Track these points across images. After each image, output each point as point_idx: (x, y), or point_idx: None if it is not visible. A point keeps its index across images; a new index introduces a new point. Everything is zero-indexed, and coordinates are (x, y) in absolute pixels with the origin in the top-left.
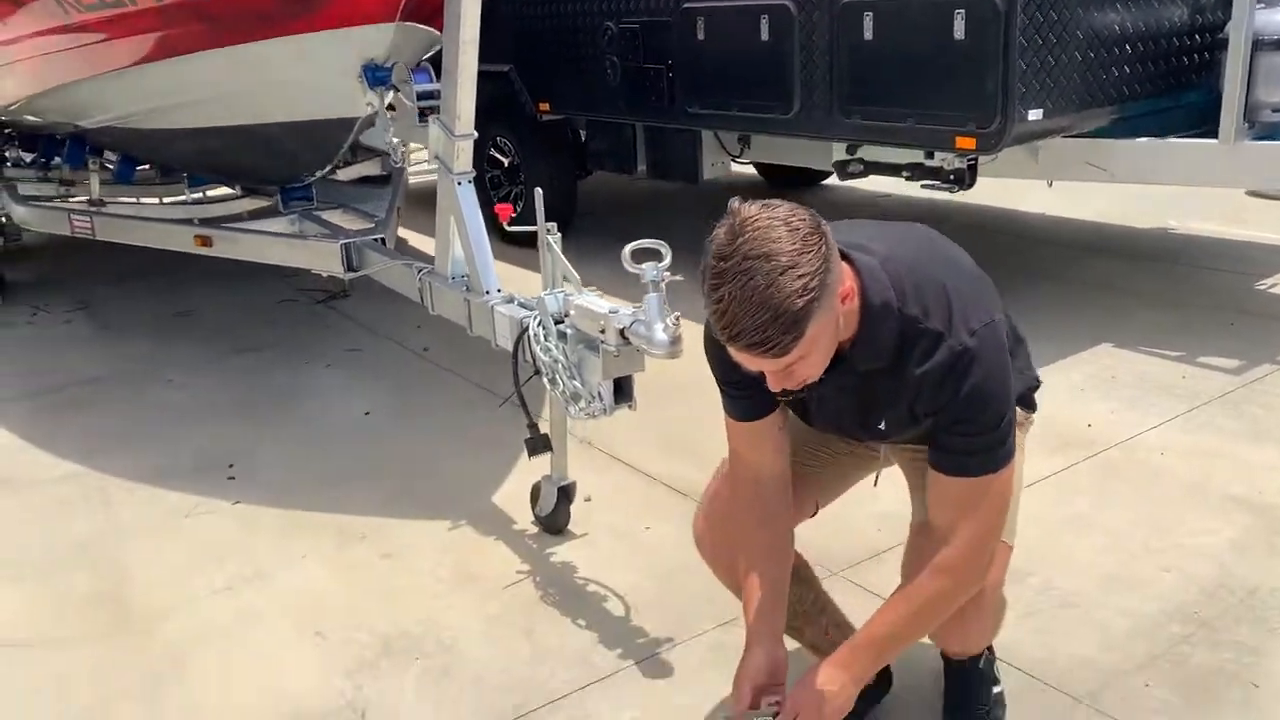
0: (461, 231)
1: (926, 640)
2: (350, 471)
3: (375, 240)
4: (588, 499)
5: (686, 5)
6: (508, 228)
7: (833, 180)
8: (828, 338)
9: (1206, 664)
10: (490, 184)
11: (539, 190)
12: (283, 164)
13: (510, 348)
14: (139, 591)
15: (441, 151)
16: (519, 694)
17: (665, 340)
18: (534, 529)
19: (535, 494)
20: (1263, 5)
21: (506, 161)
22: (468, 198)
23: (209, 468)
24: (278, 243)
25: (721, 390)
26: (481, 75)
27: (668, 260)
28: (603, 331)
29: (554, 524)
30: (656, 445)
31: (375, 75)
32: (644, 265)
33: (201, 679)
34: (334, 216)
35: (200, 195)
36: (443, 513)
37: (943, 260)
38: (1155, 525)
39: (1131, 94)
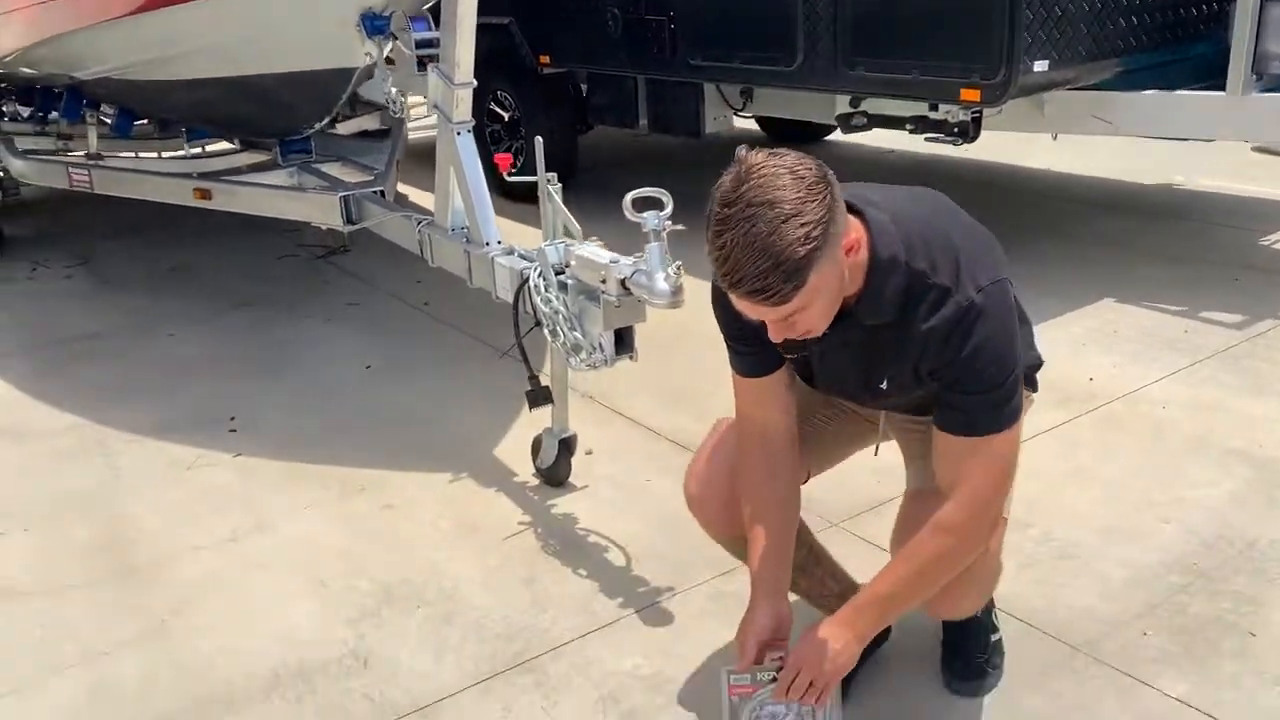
0: (461, 182)
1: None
2: (351, 424)
3: (374, 193)
4: (589, 452)
5: None
6: (508, 178)
7: (836, 135)
8: (830, 289)
9: (1204, 613)
10: (490, 138)
11: (539, 139)
12: (280, 116)
13: (510, 299)
14: (141, 541)
15: (440, 100)
16: (520, 641)
17: (667, 290)
18: (535, 481)
19: (536, 446)
20: None
21: (507, 116)
22: (467, 147)
23: (210, 420)
24: (277, 195)
25: (728, 345)
26: (481, 28)
27: (669, 209)
28: (603, 282)
29: (555, 476)
30: (658, 399)
31: (373, 24)
32: (645, 214)
33: (204, 627)
34: (333, 169)
35: (199, 150)
36: (444, 465)
37: (953, 221)
38: (1156, 478)
39: (1138, 45)
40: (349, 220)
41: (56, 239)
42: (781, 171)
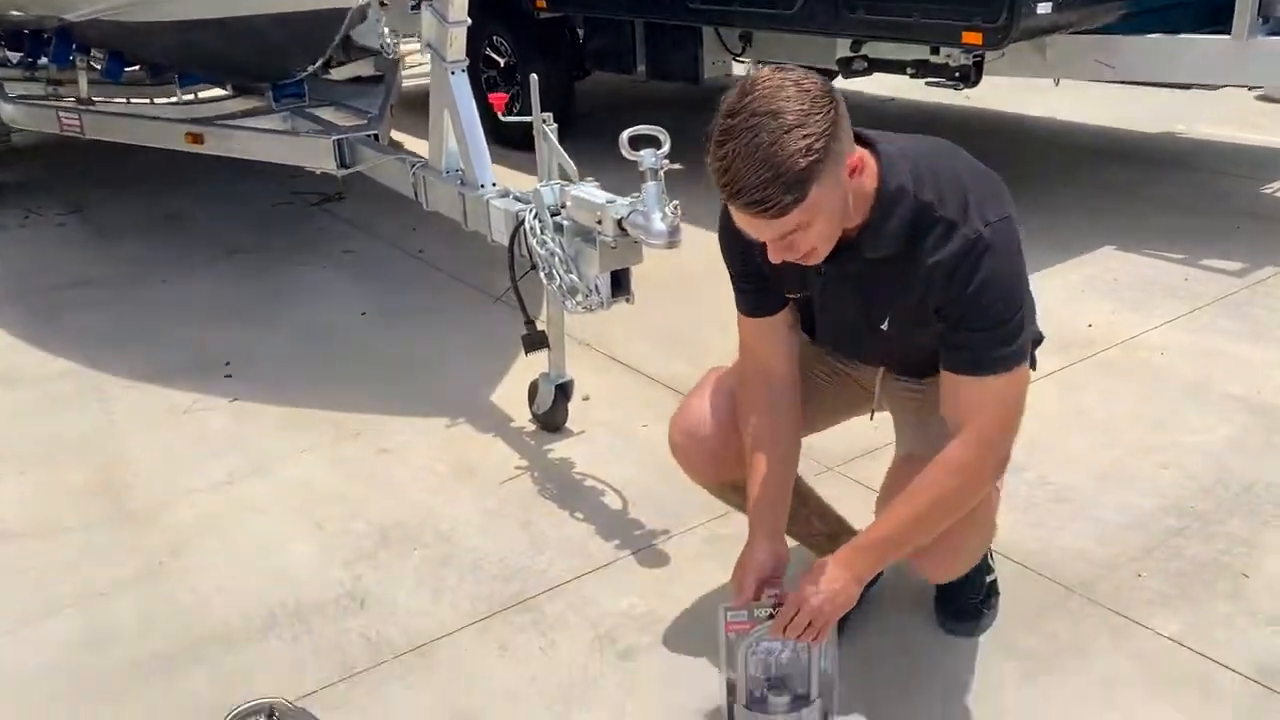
0: (455, 123)
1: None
2: (347, 370)
3: (368, 136)
4: (586, 398)
5: None
6: (503, 118)
7: (836, 82)
8: (832, 208)
9: (1199, 556)
10: (486, 84)
11: (534, 76)
12: (272, 59)
13: (506, 242)
14: (136, 485)
15: (434, 39)
16: (517, 582)
17: (664, 230)
18: (532, 426)
19: (533, 392)
20: None
21: (503, 62)
22: (461, 87)
23: (205, 366)
24: (269, 139)
25: (733, 283)
26: None
27: (666, 147)
28: (599, 223)
29: (552, 421)
30: (656, 346)
31: None
32: (642, 152)
33: (200, 568)
34: (327, 113)
35: (191, 97)
36: (440, 410)
37: (961, 163)
38: (1153, 423)
39: None
40: (342, 164)
41: (49, 187)
42: (787, 84)
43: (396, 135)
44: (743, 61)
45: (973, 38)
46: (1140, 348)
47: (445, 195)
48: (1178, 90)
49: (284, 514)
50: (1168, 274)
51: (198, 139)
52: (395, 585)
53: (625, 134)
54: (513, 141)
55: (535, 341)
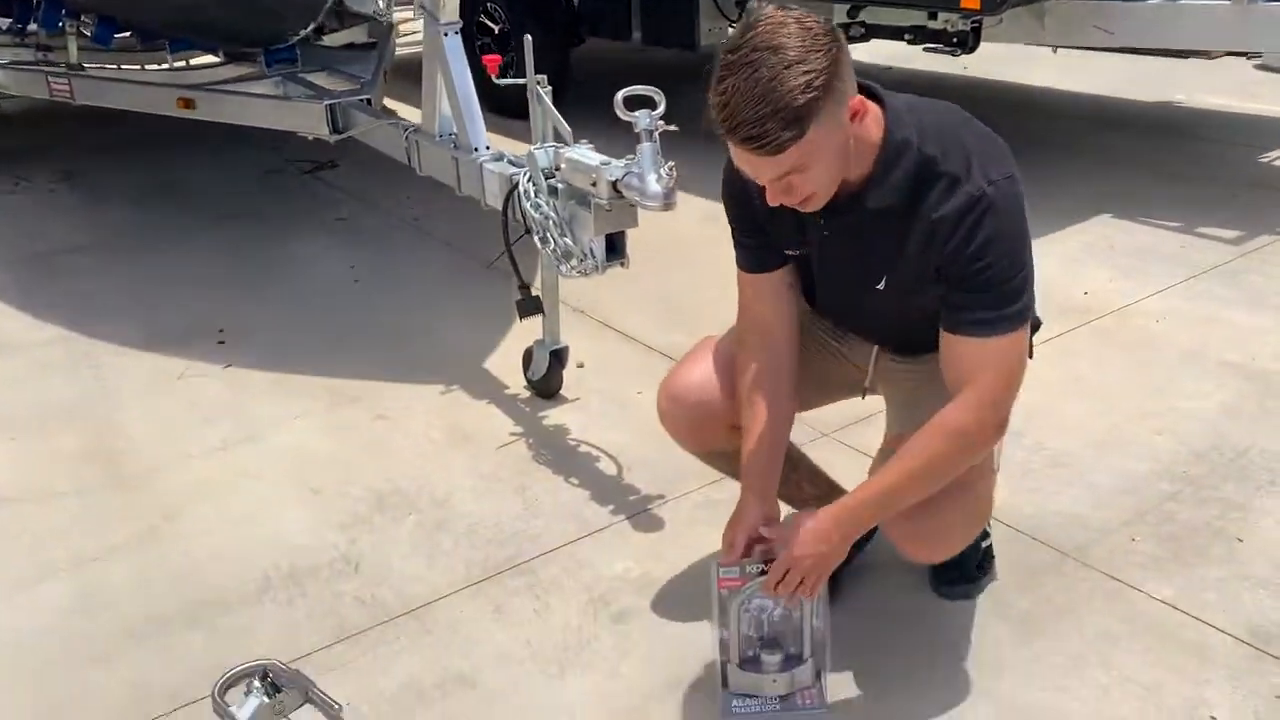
0: (449, 87)
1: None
2: (342, 337)
3: (362, 101)
4: (580, 365)
5: None
6: (497, 80)
7: None
8: (831, 152)
9: (1193, 520)
10: (479, 51)
11: (528, 37)
12: (265, 24)
13: (499, 206)
14: (130, 450)
15: (427, 0)
16: (512, 546)
17: (659, 191)
18: (526, 393)
19: (528, 358)
20: None
21: (496, 28)
22: (454, 49)
23: (199, 333)
24: (261, 104)
25: (734, 239)
26: None
27: (662, 108)
28: (594, 185)
29: (547, 388)
30: (651, 315)
31: None
32: (637, 113)
33: (195, 533)
34: (319, 79)
35: (183, 64)
36: (435, 377)
37: (968, 124)
38: (1149, 389)
39: None
40: (335, 129)
41: (40, 153)
42: (789, 21)
43: (390, 103)
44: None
45: (971, 2)
46: (1136, 315)
47: (439, 159)
48: (1176, 59)
49: (278, 479)
50: (1165, 242)
51: (189, 104)
52: (390, 549)
53: (620, 94)
54: (507, 109)
55: (530, 307)
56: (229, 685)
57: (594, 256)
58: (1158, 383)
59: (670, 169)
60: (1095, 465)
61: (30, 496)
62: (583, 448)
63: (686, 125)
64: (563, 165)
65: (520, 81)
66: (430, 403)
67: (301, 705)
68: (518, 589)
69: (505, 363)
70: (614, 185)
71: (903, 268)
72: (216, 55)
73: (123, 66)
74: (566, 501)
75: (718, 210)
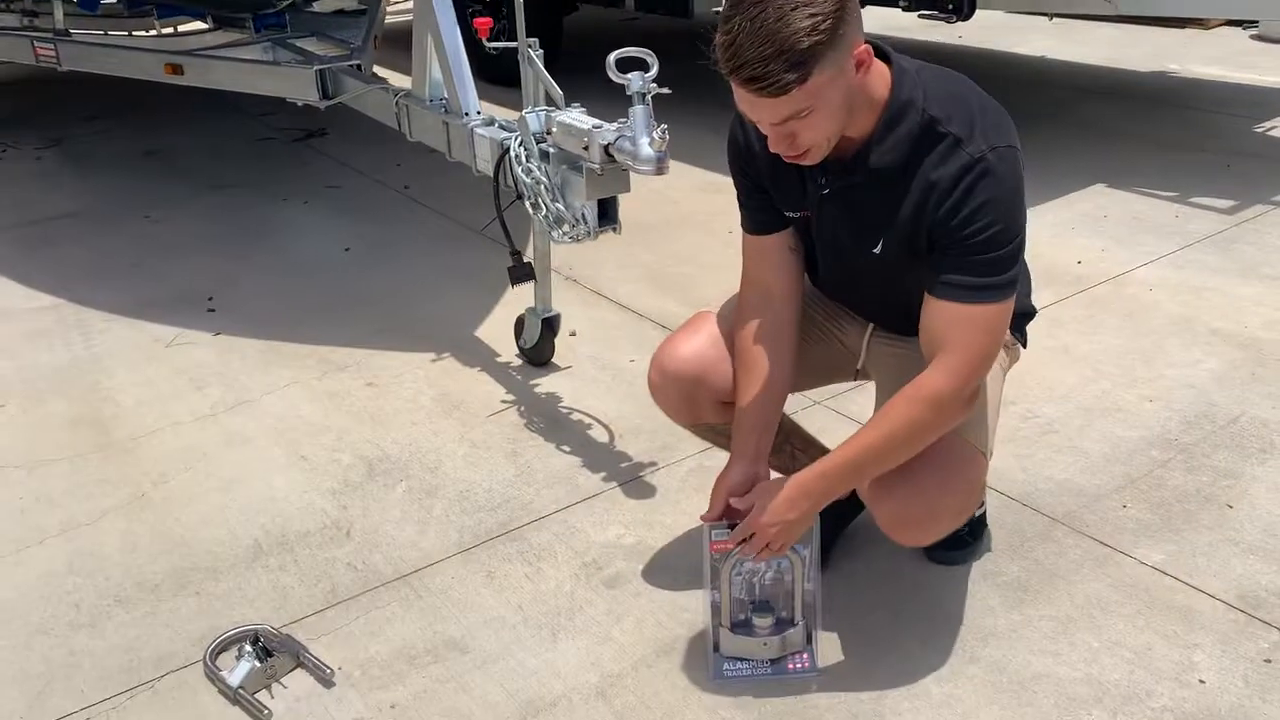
0: (439, 50)
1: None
2: (332, 304)
3: (352, 66)
4: (573, 333)
5: None
6: (488, 45)
7: None
8: (834, 99)
9: (1183, 487)
10: (470, 15)
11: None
12: None
13: (490, 172)
14: (120, 416)
15: None
16: (504, 513)
17: (652, 155)
18: (518, 361)
19: (520, 326)
20: None
21: None
22: (444, 11)
23: (189, 300)
24: (250, 70)
25: (738, 200)
26: None
27: (654, 70)
28: (586, 149)
29: (539, 356)
30: (644, 283)
31: None
32: (629, 75)
33: (185, 498)
34: (309, 44)
35: (171, 30)
36: (426, 344)
37: (975, 92)
38: (1140, 357)
39: None
40: (325, 94)
41: (26, 120)
42: None
43: (380, 73)
44: None
45: None
46: (1129, 284)
47: (429, 124)
48: (1172, 29)
49: (269, 446)
50: (1158, 211)
51: (177, 70)
52: (381, 516)
53: (612, 56)
54: (498, 77)
55: (522, 274)
56: (220, 650)
57: (586, 222)
58: (1149, 351)
59: (663, 132)
60: (1086, 432)
61: (20, 463)
62: (575, 415)
63: (679, 88)
64: (554, 129)
65: (511, 45)
66: (421, 370)
67: (293, 670)
68: (509, 555)
69: (497, 330)
70: (606, 149)
71: (898, 230)
72: (204, 21)
73: (110, 33)
74: (558, 468)
75: (711, 179)
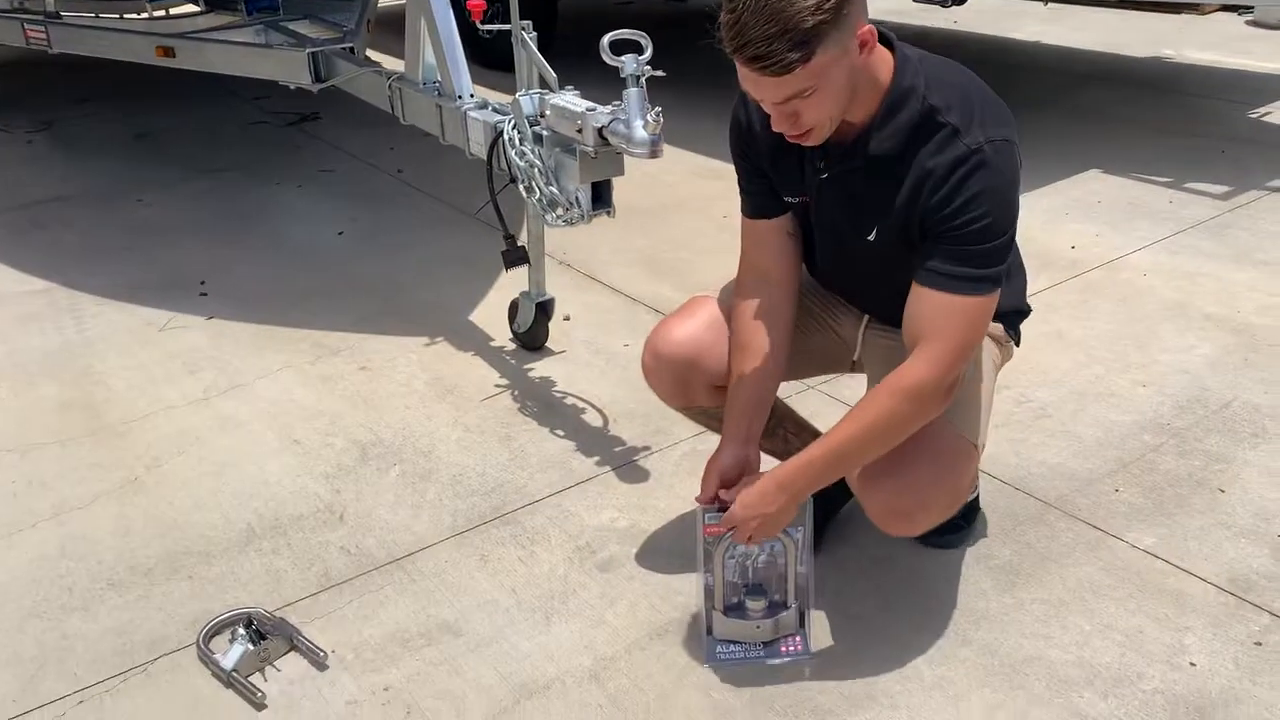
0: (432, 33)
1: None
2: (325, 289)
3: (344, 49)
4: (566, 318)
5: None
6: (481, 27)
7: None
8: (837, 80)
9: (1175, 471)
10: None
11: None
12: None
13: (484, 155)
14: (113, 400)
15: None
16: (498, 496)
17: (646, 138)
18: (512, 345)
19: (513, 310)
20: None
21: None
22: None
23: (181, 284)
24: (243, 52)
25: (739, 184)
26: None
27: (649, 52)
28: (579, 132)
29: (532, 340)
30: (638, 268)
31: None
32: (623, 57)
33: (178, 482)
34: (301, 27)
35: (162, 13)
36: (419, 329)
37: (976, 84)
38: (1133, 342)
39: None
40: (318, 77)
41: (17, 103)
42: None
43: (373, 55)
44: None
45: None
46: (1123, 269)
47: (422, 107)
48: (1167, 14)
49: (262, 430)
50: (1152, 197)
51: (169, 52)
52: (375, 499)
53: (606, 38)
54: (492, 61)
55: (516, 257)
56: (213, 633)
57: (580, 205)
58: (1143, 336)
59: (657, 115)
60: (1079, 417)
61: (12, 445)
62: (568, 399)
63: (675, 79)
64: (548, 112)
65: (505, 27)
66: (415, 354)
67: (286, 653)
68: (503, 538)
69: (490, 314)
70: (600, 132)
71: (893, 218)
72: (196, 4)
73: (101, 15)
74: (552, 452)
75: (707, 164)
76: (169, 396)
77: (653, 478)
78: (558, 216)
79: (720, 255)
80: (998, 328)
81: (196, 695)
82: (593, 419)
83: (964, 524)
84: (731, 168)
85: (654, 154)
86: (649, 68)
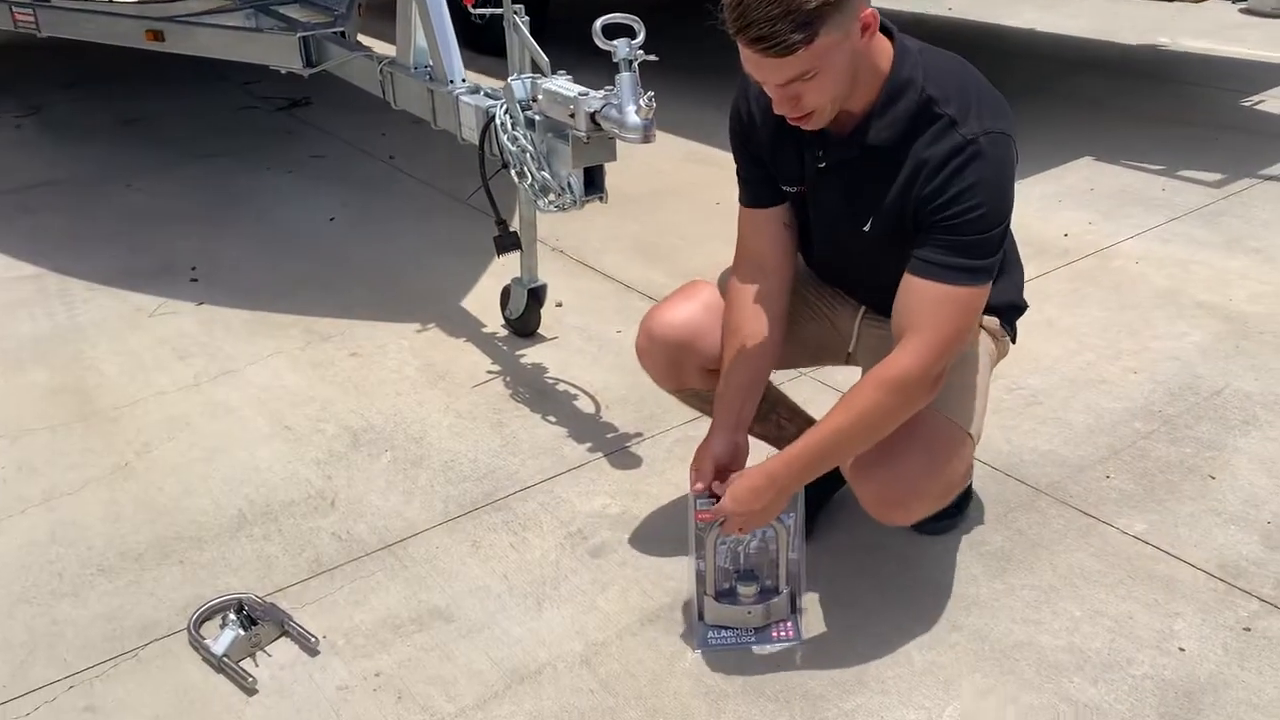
0: (423, 17)
1: None
2: (316, 275)
3: (335, 33)
4: (559, 304)
5: None
6: (473, 11)
7: None
8: (839, 63)
9: (1166, 458)
10: None
11: None
12: None
13: (476, 140)
14: (103, 386)
15: None
16: (489, 483)
17: (638, 123)
18: (504, 332)
19: (505, 296)
20: None
21: None
22: None
23: (172, 270)
24: (233, 36)
25: (737, 173)
26: None
27: (641, 36)
28: (572, 117)
29: (524, 326)
30: (631, 255)
31: None
32: (616, 42)
33: (169, 467)
34: (292, 11)
35: None
36: (411, 315)
37: (975, 77)
38: (1125, 329)
39: None
40: (309, 62)
41: (5, 87)
42: None
43: (364, 40)
44: None
45: None
46: (1115, 257)
47: (414, 92)
48: (1161, 2)
49: (253, 416)
50: (1145, 184)
51: (158, 36)
52: (366, 485)
53: (598, 22)
54: (484, 46)
55: (508, 243)
56: (204, 618)
57: (572, 191)
58: (1135, 323)
59: (650, 100)
60: (1071, 404)
61: (2, 432)
62: (560, 386)
63: (669, 65)
64: (540, 97)
65: (497, 10)
66: (406, 340)
67: (278, 638)
68: (495, 525)
69: (482, 301)
70: (592, 117)
71: (888, 208)
72: None
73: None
74: (544, 439)
75: (699, 150)
76: (159, 382)
77: (644, 464)
78: (550, 202)
79: (713, 242)
80: (994, 322)
81: (187, 681)
82: (585, 405)
83: (956, 511)
84: (724, 154)
85: (647, 139)
86: (641, 52)
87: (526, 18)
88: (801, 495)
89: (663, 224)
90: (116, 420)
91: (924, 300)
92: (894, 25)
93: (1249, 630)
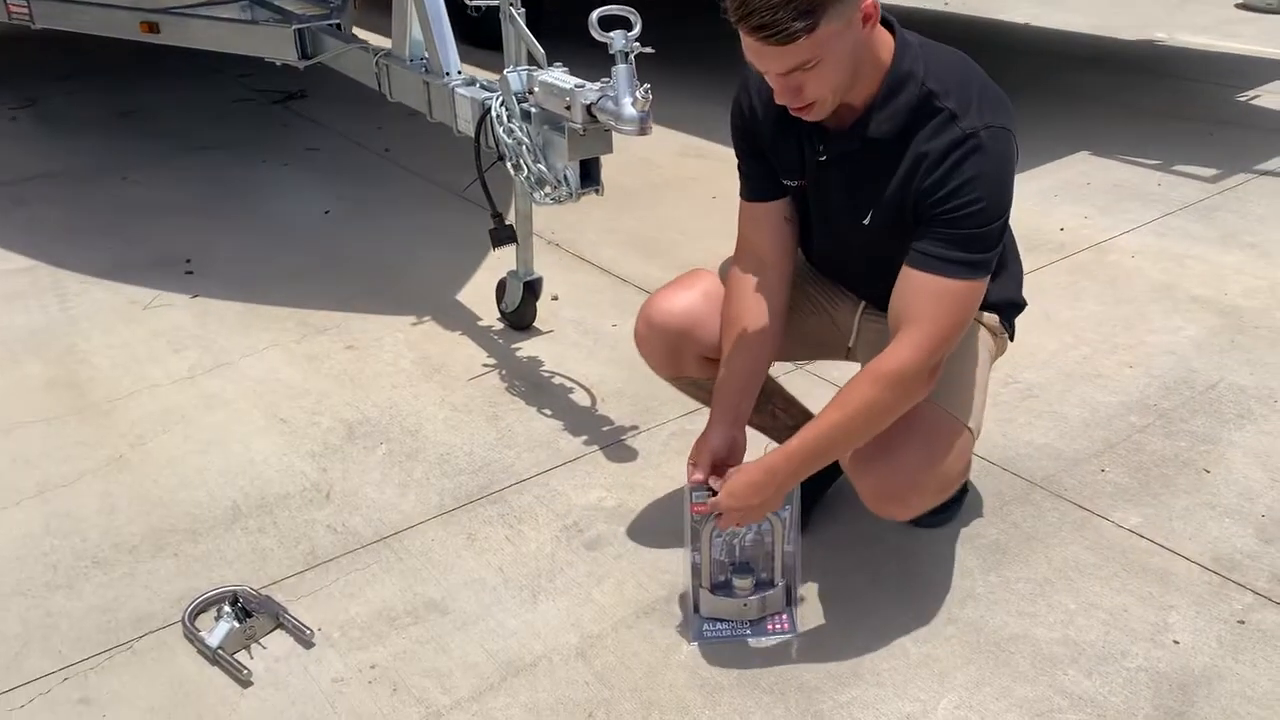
0: (419, 9)
1: None
2: (312, 268)
3: (331, 26)
4: (555, 298)
5: None
6: (469, 3)
7: None
8: (841, 53)
9: (1161, 452)
10: None
11: None
12: None
13: (471, 132)
14: (98, 378)
15: None
16: (485, 475)
17: (634, 115)
18: (499, 325)
19: (501, 289)
20: None
21: None
22: None
23: (166, 262)
24: (228, 28)
25: (738, 167)
26: None
27: (638, 28)
28: (568, 109)
29: (520, 319)
30: (627, 249)
31: None
32: (612, 33)
33: (163, 460)
34: (288, 3)
35: None
36: (407, 308)
37: (976, 72)
38: (1121, 323)
39: None
40: (304, 54)
41: (0, 79)
42: None
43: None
44: None
45: None
46: (1111, 251)
47: (409, 84)
48: None
49: (247, 408)
50: (1141, 179)
51: (153, 28)
52: (361, 478)
53: (594, 14)
54: (479, 39)
55: (503, 236)
56: (199, 611)
57: (568, 183)
58: (1130, 317)
59: (646, 92)
60: (1066, 398)
61: None
62: (556, 379)
63: (665, 59)
64: (536, 89)
65: (493, 2)
66: (401, 333)
67: (272, 631)
68: (490, 517)
69: (478, 294)
70: (588, 109)
71: (888, 202)
72: None
73: None
74: (540, 432)
75: (695, 143)
76: (154, 375)
77: (640, 457)
78: (546, 194)
79: (709, 235)
80: (993, 319)
81: (182, 673)
82: (580, 398)
83: (952, 504)
84: (722, 148)
85: (643, 131)
86: (638, 44)
87: (522, 9)
88: (797, 488)
89: (659, 218)
90: (111, 413)
91: (922, 293)
92: (894, 19)
93: (1243, 623)
